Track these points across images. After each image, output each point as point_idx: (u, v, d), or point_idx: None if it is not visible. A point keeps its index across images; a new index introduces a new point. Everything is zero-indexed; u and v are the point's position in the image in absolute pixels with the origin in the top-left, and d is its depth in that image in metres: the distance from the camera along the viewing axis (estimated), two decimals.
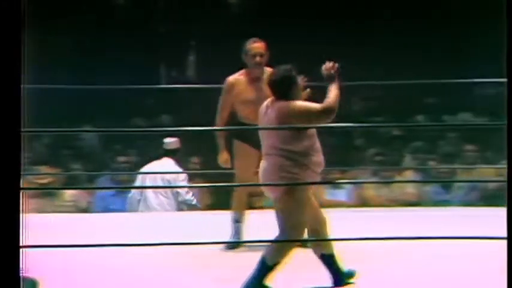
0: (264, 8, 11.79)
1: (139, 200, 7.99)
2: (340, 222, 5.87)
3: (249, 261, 4.70)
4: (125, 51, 11.36)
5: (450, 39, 11.04)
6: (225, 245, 5.77)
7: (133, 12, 12.15)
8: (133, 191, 8.02)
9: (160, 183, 7.82)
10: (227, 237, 5.80)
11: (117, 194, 8.27)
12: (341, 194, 8.06)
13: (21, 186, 3.32)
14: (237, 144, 5.96)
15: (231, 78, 5.91)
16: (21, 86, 3.29)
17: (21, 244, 3.32)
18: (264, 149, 4.74)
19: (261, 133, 4.77)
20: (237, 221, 5.96)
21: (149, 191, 7.88)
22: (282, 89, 4.72)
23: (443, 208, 7.63)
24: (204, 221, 6.88)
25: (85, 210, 8.20)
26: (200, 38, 12.15)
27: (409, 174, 8.03)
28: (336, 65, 4.78)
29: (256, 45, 5.88)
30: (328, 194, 8.06)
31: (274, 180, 4.61)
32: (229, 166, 5.97)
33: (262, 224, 5.47)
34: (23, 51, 3.28)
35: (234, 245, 5.81)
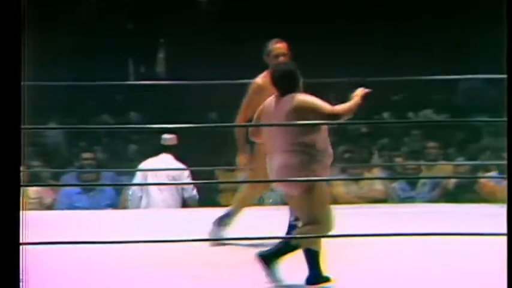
0: (234, 5, 11.76)
1: (141, 197, 7.96)
2: None
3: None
4: (94, 47, 11.29)
5: (417, 35, 11.07)
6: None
7: (101, 8, 12.06)
8: (133, 188, 8.00)
9: (164, 179, 7.78)
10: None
11: (83, 192, 8.20)
12: None
13: (22, 183, 3.33)
14: (259, 145, 5.77)
15: (259, 80, 5.79)
16: (21, 83, 3.31)
17: (21, 241, 3.32)
18: (278, 146, 4.68)
19: (270, 131, 4.70)
20: (229, 215, 5.87)
21: (152, 186, 7.84)
22: (289, 85, 4.73)
23: (409, 205, 7.67)
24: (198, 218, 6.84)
25: (49, 208, 8.13)
26: (170, 35, 12.09)
27: (377, 172, 8.03)
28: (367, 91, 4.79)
29: (278, 46, 5.82)
30: None
31: (296, 177, 4.60)
32: (247, 168, 5.85)
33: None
34: (23, 51, 3.30)
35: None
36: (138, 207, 7.93)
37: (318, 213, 4.67)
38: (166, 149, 8.02)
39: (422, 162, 7.89)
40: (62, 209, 8.01)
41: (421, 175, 8.02)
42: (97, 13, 12.00)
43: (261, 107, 4.86)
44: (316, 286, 4.72)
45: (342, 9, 11.33)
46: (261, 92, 5.64)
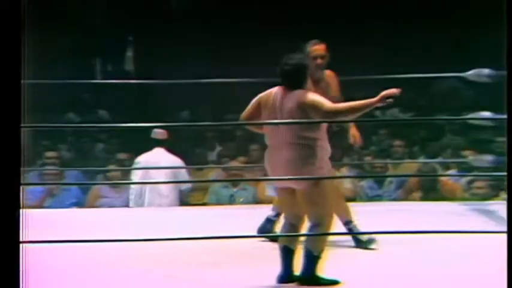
0: (203, 5, 11.75)
1: (140, 194, 7.97)
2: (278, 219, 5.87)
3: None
4: (61, 45, 11.22)
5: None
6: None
7: (70, 6, 11.99)
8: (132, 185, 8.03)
9: (162, 173, 7.81)
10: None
11: (45, 191, 8.13)
12: None
13: (22, 181, 3.34)
14: None
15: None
16: (22, 83, 3.33)
17: (21, 239, 3.32)
18: (279, 138, 4.70)
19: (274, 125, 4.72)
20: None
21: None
22: (298, 78, 4.73)
23: (376, 203, 7.72)
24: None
25: None
26: (138, 33, 12.06)
27: (345, 171, 8.04)
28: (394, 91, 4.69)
29: (317, 48, 5.76)
30: (270, 190, 8.02)
31: (300, 172, 4.62)
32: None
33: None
34: (23, 50, 3.32)
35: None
36: (141, 204, 7.94)
37: (324, 208, 4.70)
38: (159, 143, 8.08)
39: (389, 160, 7.93)
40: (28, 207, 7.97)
41: (388, 173, 8.04)
42: (65, 11, 11.94)
43: (265, 96, 4.81)
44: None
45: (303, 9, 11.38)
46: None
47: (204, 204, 8.17)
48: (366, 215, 6.57)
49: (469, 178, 7.86)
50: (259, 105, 4.80)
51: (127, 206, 8.02)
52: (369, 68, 8.98)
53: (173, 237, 5.10)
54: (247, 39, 10.89)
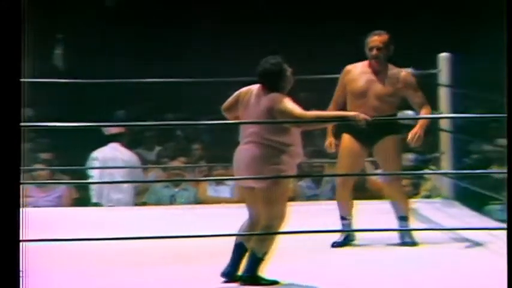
0: (137, 2, 11.74)
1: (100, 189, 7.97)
2: (225, 219, 6.03)
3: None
4: None
5: None
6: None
7: None
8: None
9: (120, 169, 7.84)
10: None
11: None
12: (225, 191, 8.17)
13: (21, 180, 3.35)
14: (345, 137, 5.94)
15: (349, 65, 5.91)
16: (21, 82, 3.34)
17: (20, 238, 3.35)
18: (246, 137, 4.82)
19: (247, 119, 4.82)
20: (344, 218, 5.96)
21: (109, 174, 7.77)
22: (272, 80, 4.82)
23: (314, 203, 7.88)
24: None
25: None
26: (68, 31, 11.97)
27: None
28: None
29: (374, 39, 5.83)
30: (211, 190, 8.14)
31: (260, 170, 4.72)
32: (333, 150, 5.99)
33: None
34: (22, 50, 3.33)
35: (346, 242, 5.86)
36: (100, 198, 8.00)
37: (278, 209, 4.80)
38: (112, 137, 8.11)
39: (325, 160, 8.10)
40: None
41: (324, 173, 8.18)
42: None
43: (244, 91, 4.92)
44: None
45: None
46: (344, 78, 5.88)
47: (143, 204, 8.24)
48: (306, 214, 6.79)
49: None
50: (237, 99, 4.93)
51: (55, 205, 7.99)
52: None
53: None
54: (181, 37, 10.94)
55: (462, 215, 7.09)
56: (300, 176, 4.77)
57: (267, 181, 4.76)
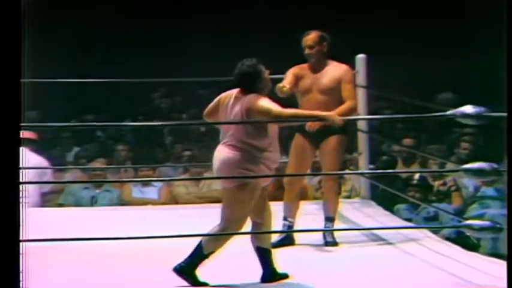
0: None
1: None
2: (151, 220, 6.01)
3: None
4: None
5: None
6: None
7: None
8: None
9: (27, 173, 7.48)
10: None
11: None
12: (151, 192, 8.09)
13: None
14: (297, 137, 6.05)
15: (295, 67, 6.06)
16: (21, 82, 3.30)
17: (21, 238, 3.32)
18: (224, 138, 4.83)
19: (224, 123, 4.83)
20: (286, 219, 6.00)
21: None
22: (248, 82, 4.84)
23: None
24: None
25: None
26: None
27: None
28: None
29: (306, 38, 6.01)
30: (136, 192, 8.04)
31: (229, 172, 4.75)
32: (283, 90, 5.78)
33: None
34: (23, 50, 3.28)
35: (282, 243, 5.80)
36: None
37: (237, 213, 4.82)
38: (23, 143, 7.79)
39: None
40: None
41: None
42: None
43: (224, 95, 4.93)
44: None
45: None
46: (294, 79, 5.98)
47: (60, 205, 8.06)
48: None
49: (319, 178, 8.19)
50: (218, 103, 4.95)
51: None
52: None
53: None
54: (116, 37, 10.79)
55: (378, 215, 7.24)
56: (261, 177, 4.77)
57: (233, 183, 4.79)
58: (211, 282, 4.88)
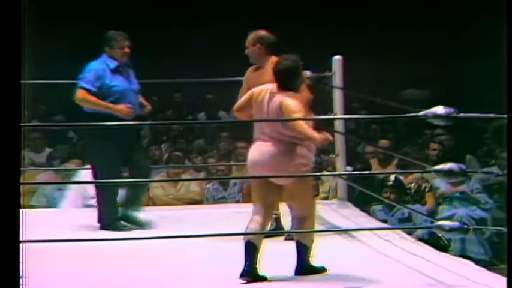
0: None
1: None
2: None
3: None
4: None
5: None
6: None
7: None
8: None
9: None
10: None
11: None
12: None
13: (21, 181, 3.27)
14: None
15: (248, 70, 6.06)
16: (22, 82, 3.26)
17: (21, 239, 3.28)
18: (264, 134, 4.78)
19: (260, 117, 4.81)
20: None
21: None
22: (287, 79, 4.80)
23: (222, 205, 7.81)
24: None
25: None
26: None
27: (192, 173, 8.10)
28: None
29: (247, 38, 5.97)
30: None
31: (285, 167, 4.72)
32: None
33: None
34: (23, 50, 3.24)
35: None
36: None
37: (309, 201, 4.92)
38: None
39: (232, 162, 8.09)
40: None
41: (231, 175, 8.19)
42: None
43: (257, 91, 4.89)
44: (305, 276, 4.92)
45: None
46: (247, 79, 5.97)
47: (31, 206, 7.91)
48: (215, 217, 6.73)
49: None
50: (251, 99, 4.91)
51: None
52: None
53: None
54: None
55: (354, 216, 7.23)
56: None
57: (289, 179, 4.80)
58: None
